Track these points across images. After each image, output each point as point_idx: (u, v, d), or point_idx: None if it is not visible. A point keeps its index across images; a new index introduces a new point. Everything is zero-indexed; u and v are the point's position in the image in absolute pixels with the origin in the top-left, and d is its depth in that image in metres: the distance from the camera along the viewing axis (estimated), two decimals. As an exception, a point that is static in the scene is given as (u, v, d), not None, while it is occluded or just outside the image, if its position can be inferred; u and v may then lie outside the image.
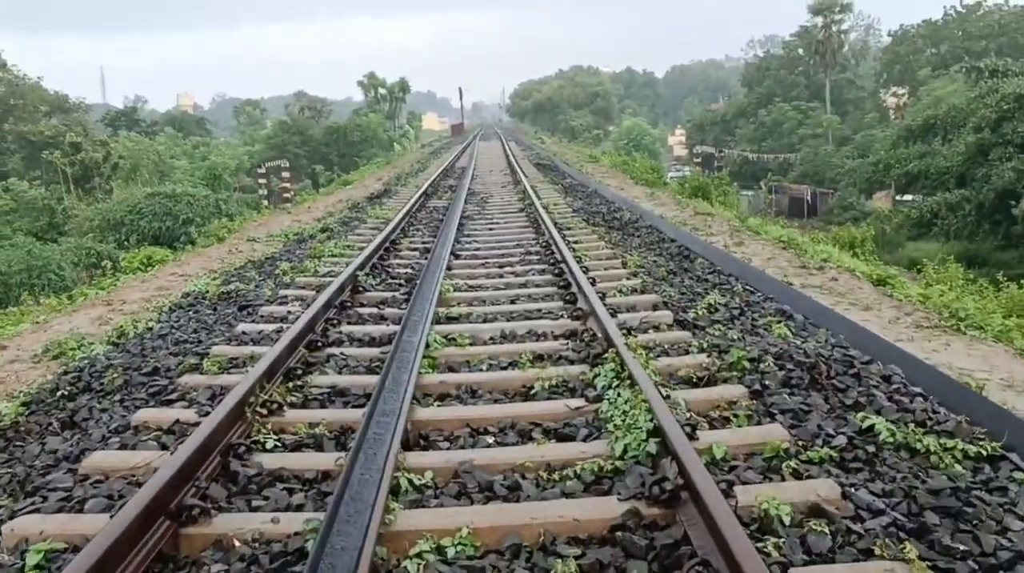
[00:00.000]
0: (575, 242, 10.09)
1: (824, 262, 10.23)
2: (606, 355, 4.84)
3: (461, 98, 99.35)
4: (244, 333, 5.95)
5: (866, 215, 49.81)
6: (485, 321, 6.34)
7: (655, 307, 6.54)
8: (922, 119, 42.14)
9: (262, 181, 67.27)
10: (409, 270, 8.49)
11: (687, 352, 5.20)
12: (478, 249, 10.02)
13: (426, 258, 9.12)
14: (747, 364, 4.70)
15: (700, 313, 6.34)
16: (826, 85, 79.63)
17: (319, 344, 5.53)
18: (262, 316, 6.55)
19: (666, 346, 5.34)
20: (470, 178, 20.34)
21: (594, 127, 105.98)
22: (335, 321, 6.14)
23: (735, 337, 5.44)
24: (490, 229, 11.83)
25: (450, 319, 6.43)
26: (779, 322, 6.03)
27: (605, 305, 6.28)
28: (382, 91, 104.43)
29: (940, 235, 34.16)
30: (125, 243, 40.48)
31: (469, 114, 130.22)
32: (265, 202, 63.75)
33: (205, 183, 64.49)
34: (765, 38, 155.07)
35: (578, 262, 8.27)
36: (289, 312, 6.57)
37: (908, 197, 45.70)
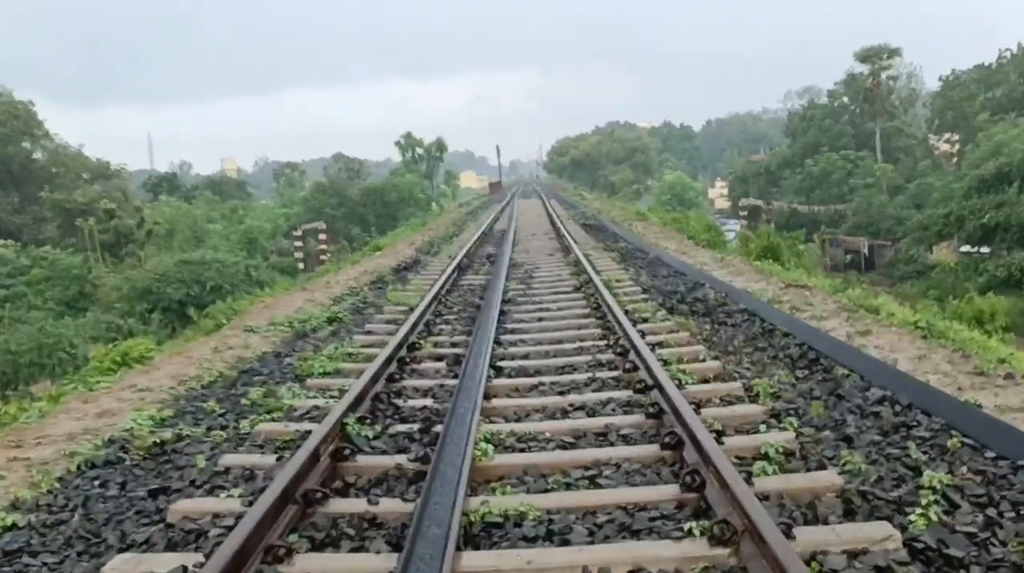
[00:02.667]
0: (659, 342, 7.36)
1: (1001, 362, 7.36)
2: None
3: (499, 156, 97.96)
4: (113, 583, 3.28)
5: (930, 269, 46.33)
6: (550, 536, 3.59)
7: (849, 507, 3.73)
8: (995, 167, 38.91)
9: (298, 244, 65.97)
10: (428, 404, 5.79)
11: None
12: (527, 356, 7.32)
13: (455, 375, 6.46)
14: None
15: (933, 519, 3.53)
16: (876, 133, 76.53)
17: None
18: (170, 526, 3.87)
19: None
20: (511, 244, 17.79)
21: (634, 182, 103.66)
22: (281, 550, 3.43)
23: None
24: (540, 319, 9.14)
25: (489, 528, 3.70)
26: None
27: (760, 498, 3.53)
28: (419, 151, 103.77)
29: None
30: (149, 315, 38.76)
31: (507, 171, 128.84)
32: (301, 265, 62.35)
33: (240, 247, 63.30)
34: (802, 89, 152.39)
35: (678, 386, 5.54)
36: (216, 517, 3.88)
37: (970, 248, 42.22)
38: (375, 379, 6.14)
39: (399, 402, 5.80)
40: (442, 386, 6.26)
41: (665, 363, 6.36)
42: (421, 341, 7.83)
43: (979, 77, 75.54)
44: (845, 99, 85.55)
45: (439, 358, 7.32)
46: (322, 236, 66.25)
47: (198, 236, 66.38)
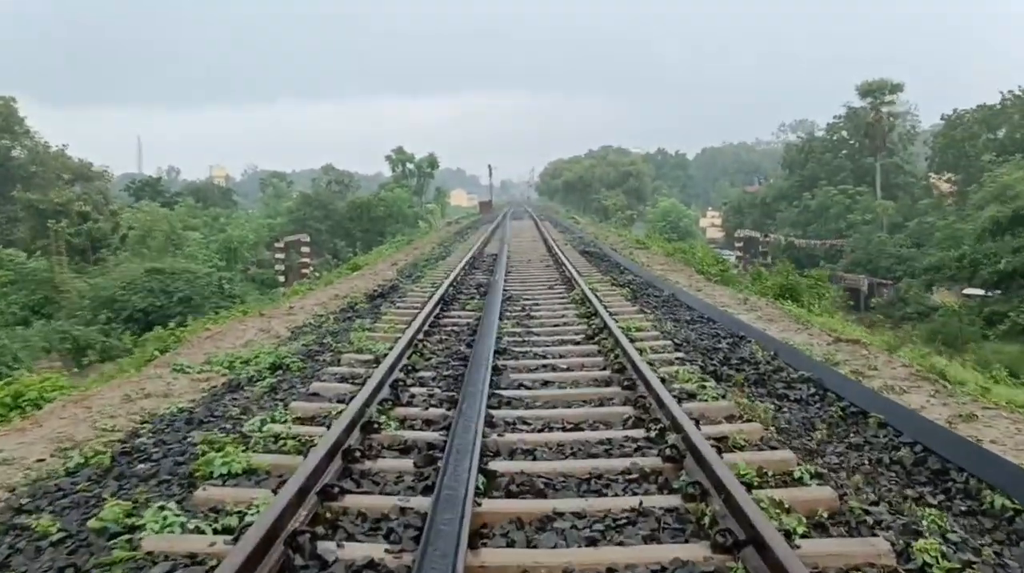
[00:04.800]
0: (721, 437, 5.14)
1: None
2: None
3: (490, 175, 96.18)
4: None
5: (932, 310, 44.48)
6: None
7: None
8: (1011, 210, 37.10)
9: (280, 256, 63.60)
10: (377, 555, 3.52)
11: None
12: (532, 453, 5.07)
13: (426, 486, 4.27)
14: None
15: None
16: (876, 169, 75.15)
17: None
18: None
19: None
20: (503, 272, 15.59)
21: (627, 207, 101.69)
22: None
23: None
24: (545, 384, 6.89)
25: None
26: None
27: None
28: (410, 166, 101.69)
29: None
30: (111, 326, 36.30)
31: (498, 191, 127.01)
32: (282, 278, 59.90)
33: (220, 256, 60.92)
34: (795, 122, 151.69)
35: (786, 537, 3.36)
36: None
37: (981, 291, 40.40)
38: (302, 494, 3.90)
39: (329, 551, 3.53)
40: (404, 512, 4.00)
41: (748, 486, 4.14)
42: (383, 418, 5.57)
43: (982, 117, 74.33)
44: (844, 133, 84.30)
45: (405, 450, 5.06)
46: (305, 249, 63.94)
47: (175, 243, 63.73)
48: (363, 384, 6.31)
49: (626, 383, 6.52)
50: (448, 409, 5.91)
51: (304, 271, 57.45)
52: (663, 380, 6.41)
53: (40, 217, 65.59)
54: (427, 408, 5.97)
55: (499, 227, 34.54)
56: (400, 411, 5.89)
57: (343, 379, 6.92)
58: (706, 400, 6.04)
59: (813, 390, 7.02)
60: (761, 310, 13.47)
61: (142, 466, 5.00)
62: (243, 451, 4.85)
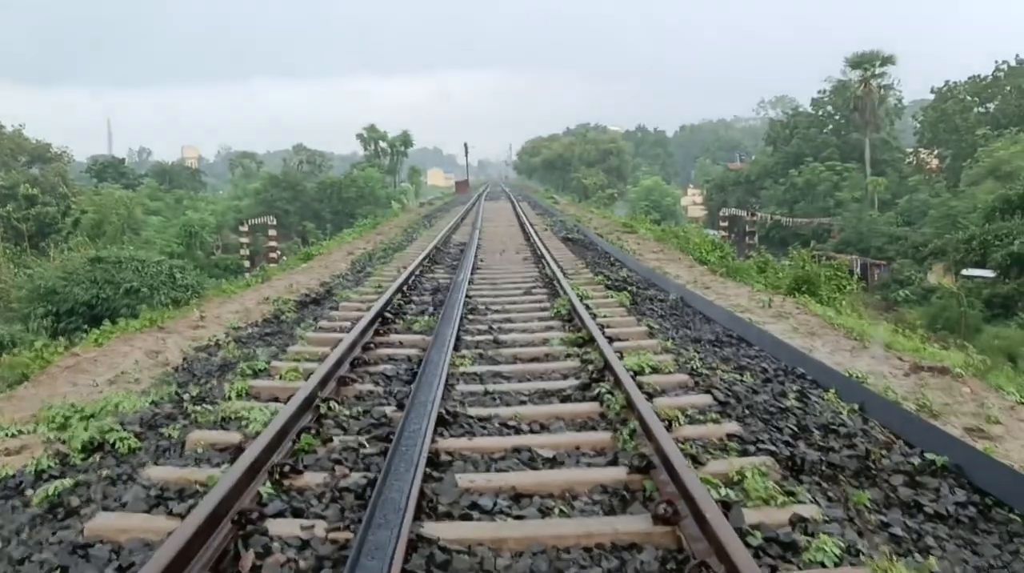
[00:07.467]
0: None
1: None
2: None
3: (467, 154, 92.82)
4: None
5: (930, 292, 42.12)
6: None
7: None
8: (1022, 187, 34.59)
9: (244, 240, 60.06)
10: None
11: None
12: None
13: None
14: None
15: None
16: (865, 144, 72.48)
17: None
18: None
19: None
20: (470, 269, 12.67)
21: (607, 186, 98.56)
22: None
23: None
24: (516, 502, 3.95)
25: None
26: None
27: None
28: (383, 145, 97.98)
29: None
30: (44, 320, 32.92)
31: (475, 170, 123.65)
32: (247, 263, 56.42)
33: (179, 241, 57.31)
34: (775, 98, 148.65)
35: None
36: None
37: (972, 272, 38.02)
38: None
39: None
40: None
41: None
42: None
43: (974, 89, 71.94)
44: (830, 108, 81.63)
45: None
46: (272, 232, 60.51)
47: (133, 227, 59.96)
48: (185, 515, 3.40)
49: (662, 509, 3.60)
50: (343, 546, 2.99)
51: (271, 255, 54.11)
52: (725, 505, 3.52)
53: (-16, 202, 61.65)
54: (324, 541, 3.03)
55: (473, 209, 31.49)
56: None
57: (159, 500, 3.93)
58: (820, 561, 3.15)
59: (963, 495, 4.18)
60: (793, 317, 10.65)
61: None
62: None
